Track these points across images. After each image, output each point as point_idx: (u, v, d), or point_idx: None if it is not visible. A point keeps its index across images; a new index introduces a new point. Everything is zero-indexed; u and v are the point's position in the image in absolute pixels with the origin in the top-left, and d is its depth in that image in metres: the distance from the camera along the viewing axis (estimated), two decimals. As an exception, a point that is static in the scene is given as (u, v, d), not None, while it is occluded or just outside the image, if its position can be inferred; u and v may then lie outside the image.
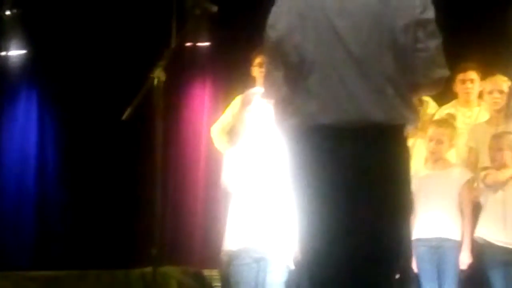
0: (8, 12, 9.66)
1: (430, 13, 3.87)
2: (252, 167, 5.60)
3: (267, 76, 4.09)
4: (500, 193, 6.51)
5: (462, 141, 7.32)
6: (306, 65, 3.86)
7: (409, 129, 4.01)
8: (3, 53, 9.92)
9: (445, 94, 7.36)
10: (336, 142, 3.79)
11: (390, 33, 3.81)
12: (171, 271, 7.88)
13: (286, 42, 3.91)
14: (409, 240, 4.02)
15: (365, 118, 3.78)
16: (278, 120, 4.01)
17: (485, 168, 6.74)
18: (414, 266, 6.70)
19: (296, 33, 3.89)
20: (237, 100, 7.51)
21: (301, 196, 3.89)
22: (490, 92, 7.31)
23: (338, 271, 3.81)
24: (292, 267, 5.53)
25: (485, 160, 6.92)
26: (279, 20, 3.96)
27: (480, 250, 6.56)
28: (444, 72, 3.92)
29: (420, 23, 3.83)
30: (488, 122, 7.30)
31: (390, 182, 3.84)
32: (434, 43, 3.86)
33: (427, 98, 7.16)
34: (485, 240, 6.51)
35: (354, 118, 3.78)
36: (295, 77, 3.90)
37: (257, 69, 7.24)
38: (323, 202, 3.81)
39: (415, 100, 4.04)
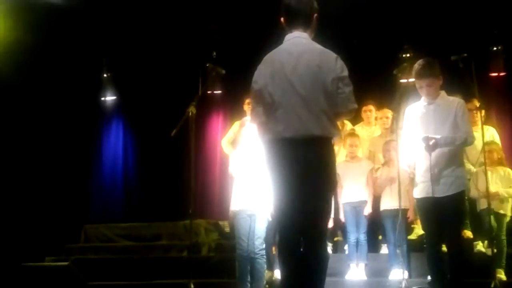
0: (105, 75, 9.55)
1: (345, 72, 3.88)
2: (246, 162, 5.56)
3: (253, 110, 4.04)
4: (386, 178, 6.50)
5: (365, 145, 7.31)
6: (275, 104, 3.84)
7: (335, 140, 4.01)
8: (102, 99, 9.81)
9: (356, 119, 7.43)
10: (293, 148, 3.76)
11: (323, 84, 3.80)
12: (201, 222, 7.84)
13: (263, 91, 3.89)
14: (332, 204, 3.98)
15: (309, 133, 3.77)
16: (260, 136, 3.98)
17: (378, 168, 6.73)
18: (343, 218, 6.65)
19: (269, 86, 3.87)
20: (236, 124, 7.49)
21: (274, 179, 3.87)
22: (381, 118, 7.37)
23: (294, 221, 3.80)
24: (270, 219, 5.51)
25: (378, 158, 6.98)
26: (259, 78, 3.94)
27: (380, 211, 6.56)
28: (355, 106, 3.92)
29: (340, 78, 3.84)
30: (380, 136, 7.31)
31: (323, 170, 3.82)
32: (348, 89, 3.86)
33: (346, 121, 7.15)
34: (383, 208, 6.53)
35: (304, 133, 3.77)
36: (269, 111, 3.87)
37: (246, 106, 7.20)
38: (285, 183, 3.80)
39: (338, 122, 4.03)
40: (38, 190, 8.89)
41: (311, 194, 3.76)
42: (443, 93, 4.97)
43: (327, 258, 3.83)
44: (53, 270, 4.97)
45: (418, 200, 4.97)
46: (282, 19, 4.04)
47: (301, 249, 3.79)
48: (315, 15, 4.03)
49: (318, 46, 3.95)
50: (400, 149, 5.28)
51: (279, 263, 3.84)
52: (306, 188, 3.74)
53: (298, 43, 3.94)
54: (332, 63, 3.83)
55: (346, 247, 6.77)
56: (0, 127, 8.50)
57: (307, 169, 3.74)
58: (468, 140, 4.85)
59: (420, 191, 4.90)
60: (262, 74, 3.92)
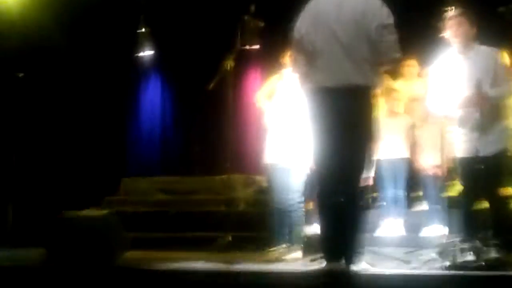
0: (142, 30, 9.52)
1: (391, 20, 3.77)
2: (282, 114, 5.42)
3: (295, 60, 3.99)
4: (427, 135, 6.33)
5: (404, 101, 7.02)
6: (316, 53, 3.78)
7: (377, 90, 3.92)
8: (140, 54, 9.78)
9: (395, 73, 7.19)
10: (334, 97, 3.70)
11: (366, 32, 3.71)
12: (238, 177, 7.78)
13: (305, 39, 3.83)
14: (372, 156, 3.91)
15: (351, 83, 3.69)
16: (301, 85, 3.93)
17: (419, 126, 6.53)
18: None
19: (311, 34, 3.81)
20: (274, 78, 7.36)
21: (314, 129, 3.82)
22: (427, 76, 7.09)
23: (334, 172, 3.74)
24: (308, 172, 5.37)
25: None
26: (301, 27, 3.88)
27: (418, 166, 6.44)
28: (399, 55, 3.82)
29: (384, 26, 3.73)
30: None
31: (364, 121, 3.76)
32: (393, 37, 3.76)
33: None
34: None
35: (345, 83, 3.69)
36: (310, 60, 3.81)
37: (287, 58, 7.04)
38: (325, 133, 3.74)
39: (381, 72, 3.92)
40: (77, 145, 9.00)
41: (351, 144, 3.69)
42: (477, 45, 4.73)
43: (365, 209, 3.80)
44: (91, 219, 4.99)
45: (462, 159, 4.78)
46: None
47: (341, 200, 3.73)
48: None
49: None
50: (430, 97, 4.98)
51: (319, 214, 3.81)
52: (346, 138, 3.68)
53: (342, -10, 3.83)
54: (377, 9, 3.73)
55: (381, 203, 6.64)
56: (41, 83, 8.55)
57: (347, 119, 3.68)
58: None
59: (463, 150, 4.71)
60: (303, 23, 3.86)
